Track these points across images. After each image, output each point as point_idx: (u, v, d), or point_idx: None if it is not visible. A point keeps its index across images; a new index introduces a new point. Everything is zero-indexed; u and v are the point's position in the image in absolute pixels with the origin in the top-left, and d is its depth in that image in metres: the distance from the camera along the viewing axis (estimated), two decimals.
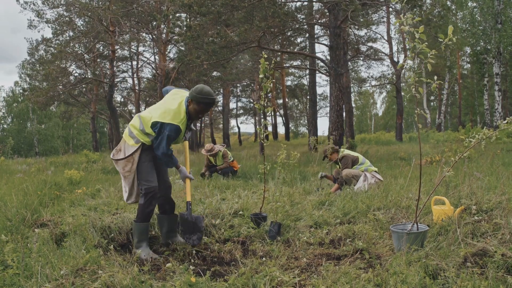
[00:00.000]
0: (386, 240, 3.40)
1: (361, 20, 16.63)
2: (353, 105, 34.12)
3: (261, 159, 11.76)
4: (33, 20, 21.99)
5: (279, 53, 24.86)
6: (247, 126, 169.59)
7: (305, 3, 17.12)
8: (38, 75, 24.79)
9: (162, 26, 20.40)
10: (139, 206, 3.34)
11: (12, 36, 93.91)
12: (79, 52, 23.36)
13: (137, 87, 28.46)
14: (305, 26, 17.67)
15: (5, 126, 41.39)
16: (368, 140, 25.31)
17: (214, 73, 24.34)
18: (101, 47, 25.47)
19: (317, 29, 22.96)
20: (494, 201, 3.85)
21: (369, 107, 55.47)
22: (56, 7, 21.43)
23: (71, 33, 23.38)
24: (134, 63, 29.23)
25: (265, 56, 3.76)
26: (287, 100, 38.66)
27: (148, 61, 28.35)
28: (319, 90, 67.46)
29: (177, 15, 18.78)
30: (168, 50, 24.34)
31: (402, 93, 28.05)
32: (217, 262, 3.13)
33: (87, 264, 2.77)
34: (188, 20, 18.04)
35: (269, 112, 34.46)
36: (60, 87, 23.01)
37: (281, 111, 37.40)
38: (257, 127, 21.06)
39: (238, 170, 8.62)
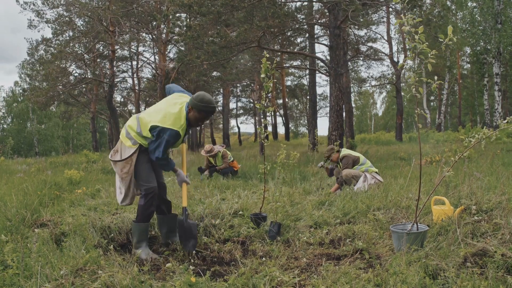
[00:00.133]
0: (386, 240, 3.40)
1: (361, 20, 16.64)
2: (353, 105, 34.13)
3: (261, 159, 11.76)
4: (33, 20, 22.03)
5: (279, 53, 24.87)
6: (247, 126, 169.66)
7: (305, 3, 17.13)
8: (38, 75, 24.79)
9: (162, 26, 20.41)
10: (139, 207, 3.33)
11: (12, 36, 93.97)
12: (79, 52, 23.37)
13: (137, 87, 28.46)
14: (305, 26, 17.68)
15: (5, 126, 41.41)
16: (368, 140, 25.31)
17: (214, 73, 24.34)
18: (101, 47, 25.47)
19: (317, 29, 22.98)
20: (494, 201, 3.85)
21: (369, 107, 55.48)
22: (56, 7, 21.46)
23: (71, 33, 23.39)
24: (134, 63, 29.26)
25: (267, 55, 3.76)
26: (287, 100, 38.66)
27: (148, 61, 28.37)
28: (319, 90, 67.53)
29: (177, 15, 18.79)
30: (168, 50, 24.35)
31: (402, 93, 28.06)
32: (217, 262, 3.13)
33: (87, 264, 2.77)
34: (188, 20, 18.04)
35: (270, 112, 34.50)
36: (60, 87, 23.01)
37: (281, 111, 37.41)
38: (257, 127, 21.10)
39: (238, 170, 8.62)
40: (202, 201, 4.90)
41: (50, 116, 39.34)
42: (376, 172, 6.15)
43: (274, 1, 12.48)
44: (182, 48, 22.55)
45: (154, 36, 23.04)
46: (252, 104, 38.56)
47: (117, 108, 29.22)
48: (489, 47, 21.02)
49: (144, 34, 24.46)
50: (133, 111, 30.53)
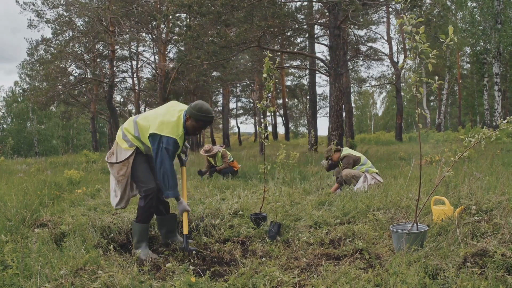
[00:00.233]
0: (386, 240, 3.40)
1: (361, 20, 16.64)
2: (353, 105, 34.14)
3: (261, 159, 11.76)
4: (33, 20, 22.00)
5: (279, 53, 24.87)
6: (247, 126, 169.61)
7: (305, 3, 17.13)
8: (38, 75, 24.78)
9: (162, 26, 20.41)
10: (139, 208, 3.32)
11: (12, 36, 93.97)
12: (79, 52, 23.36)
13: (137, 87, 28.45)
14: (305, 26, 17.67)
15: (5, 126, 41.41)
16: (368, 140, 25.31)
17: (214, 73, 24.33)
18: (101, 47, 25.47)
19: (317, 29, 22.97)
20: (494, 201, 3.85)
21: (369, 107, 55.48)
22: (56, 7, 21.45)
23: (71, 33, 23.39)
24: (134, 63, 29.24)
25: (270, 55, 3.76)
26: (287, 100, 38.67)
27: (148, 61, 28.37)
28: (319, 90, 67.53)
29: (177, 15, 18.79)
30: (168, 50, 24.35)
31: (402, 93, 28.07)
32: (217, 262, 3.13)
33: (87, 264, 2.77)
34: (188, 20, 18.05)
35: (271, 112, 34.50)
36: (60, 87, 23.00)
37: (281, 111, 37.42)
38: (257, 127, 21.11)
39: (238, 170, 8.61)
40: (202, 201, 4.90)
41: (50, 116, 39.33)
42: (376, 173, 6.15)
43: (274, 1, 12.48)
44: (182, 48, 22.55)
45: (154, 36, 23.04)
46: (252, 104, 38.57)
47: (117, 108, 29.20)
48: (489, 47, 21.02)
49: (144, 34, 24.46)
50: (133, 111, 30.53)
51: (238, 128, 40.31)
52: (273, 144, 24.72)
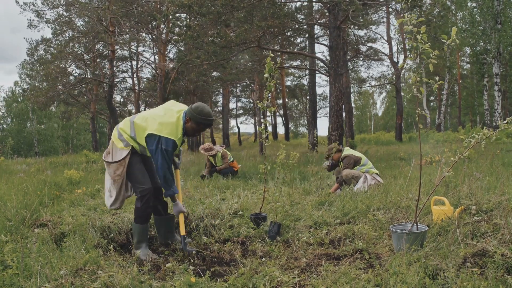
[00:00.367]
0: (385, 240, 3.40)
1: (361, 20, 16.64)
2: (353, 105, 34.14)
3: (261, 159, 11.76)
4: (33, 20, 22.02)
5: (279, 53, 24.88)
6: (247, 126, 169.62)
7: (305, 3, 17.13)
8: (38, 75, 24.79)
9: (162, 26, 20.41)
10: (136, 210, 3.31)
11: (12, 36, 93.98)
12: (78, 52, 23.37)
13: (136, 87, 28.46)
14: (305, 26, 17.67)
15: (5, 126, 41.42)
16: (368, 140, 25.32)
17: (214, 73, 24.32)
18: (101, 47, 25.47)
19: (317, 29, 22.98)
20: (494, 201, 3.85)
21: (369, 107, 55.49)
22: (56, 7, 21.46)
23: (71, 33, 23.40)
24: (134, 63, 29.25)
25: (272, 55, 3.77)
26: (287, 100, 38.67)
27: (148, 61, 28.36)
28: (319, 90, 67.56)
29: (177, 15, 18.80)
30: (168, 50, 24.35)
31: (402, 93, 28.07)
32: (216, 262, 3.13)
33: (87, 264, 2.77)
34: (188, 20, 18.05)
35: (271, 112, 34.50)
36: (60, 87, 23.01)
37: (281, 111, 37.43)
38: (258, 127, 21.13)
39: (238, 170, 8.61)
40: (202, 201, 4.90)
41: (50, 116, 39.34)
42: (377, 174, 6.15)
43: (274, 1, 12.48)
44: (182, 48, 22.55)
45: (154, 36, 23.04)
46: (252, 104, 38.57)
47: (117, 108, 29.21)
48: (489, 47, 21.02)
49: (144, 34, 24.46)
50: (133, 111, 30.52)
51: (238, 128, 40.34)
52: (273, 144, 24.73)
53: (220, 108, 34.18)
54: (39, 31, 63.50)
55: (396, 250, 3.04)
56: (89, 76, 24.18)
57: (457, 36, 2.78)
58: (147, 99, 31.24)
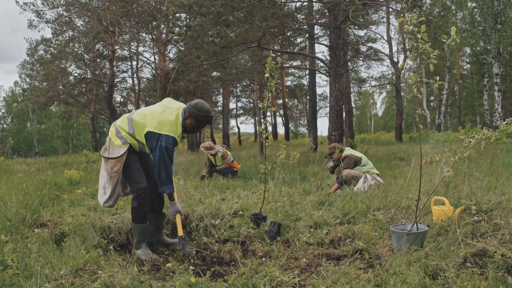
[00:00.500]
0: (386, 240, 3.40)
1: (361, 20, 16.65)
2: (353, 105, 34.13)
3: (261, 159, 11.76)
4: (33, 20, 22.02)
5: (279, 53, 24.89)
6: (247, 126, 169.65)
7: (305, 3, 17.13)
8: (38, 75, 24.79)
9: (162, 26, 20.41)
10: (132, 209, 3.30)
11: (12, 36, 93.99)
12: (78, 52, 23.37)
13: (136, 87, 28.46)
14: (305, 26, 17.68)
15: (5, 126, 41.42)
16: (368, 140, 25.31)
17: (214, 73, 24.32)
18: (101, 47, 25.48)
19: (317, 29, 23.00)
20: (494, 202, 3.85)
21: (369, 107, 55.48)
22: (56, 7, 21.46)
23: (71, 33, 23.40)
24: (134, 63, 29.26)
25: (272, 55, 3.77)
26: (287, 100, 38.67)
27: (148, 61, 28.38)
28: (319, 90, 67.56)
29: (177, 15, 18.80)
30: (168, 50, 24.35)
31: (402, 94, 28.06)
32: (217, 262, 3.13)
33: (87, 264, 2.77)
34: (188, 20, 18.06)
35: (271, 112, 34.50)
36: (60, 87, 23.02)
37: (281, 111, 37.43)
38: (258, 127, 21.16)
39: (238, 171, 8.61)
40: (202, 201, 4.90)
41: (50, 116, 39.35)
42: (377, 174, 6.14)
43: (274, 1, 12.48)
44: (182, 48, 22.55)
45: (154, 36, 23.05)
46: (252, 104, 38.57)
47: (117, 108, 29.21)
48: (489, 48, 21.03)
49: (144, 34, 24.47)
50: (133, 111, 30.49)
51: (238, 128, 40.34)
52: (273, 144, 24.74)
53: (220, 108, 34.17)
54: (39, 31, 63.48)
55: (396, 250, 3.04)
56: (89, 76, 24.18)
57: (457, 36, 2.78)
58: (147, 99, 31.22)
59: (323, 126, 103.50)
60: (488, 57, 21.70)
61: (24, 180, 6.86)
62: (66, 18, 22.13)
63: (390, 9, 21.11)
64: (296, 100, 44.26)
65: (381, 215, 4.12)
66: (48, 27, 37.22)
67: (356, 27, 20.37)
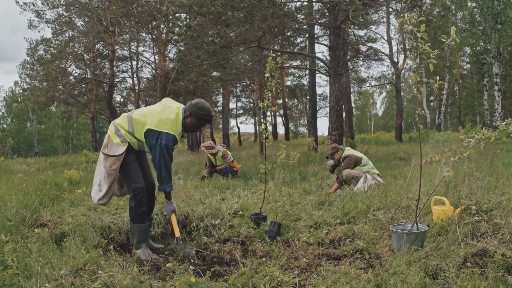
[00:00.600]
0: (386, 240, 3.40)
1: (361, 20, 16.65)
2: (353, 105, 34.13)
3: (261, 159, 11.76)
4: (33, 20, 22.01)
5: (279, 53, 24.90)
6: (247, 126, 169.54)
7: (305, 3, 17.13)
8: (38, 75, 24.79)
9: (162, 26, 20.41)
10: (130, 209, 3.30)
11: (12, 36, 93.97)
12: (79, 52, 23.36)
13: (136, 87, 28.45)
14: (305, 26, 17.68)
15: (5, 126, 41.42)
16: (368, 140, 25.31)
17: (214, 73, 24.32)
18: (101, 47, 25.47)
19: (317, 29, 22.99)
20: (494, 201, 3.85)
21: (369, 107, 55.48)
22: (56, 7, 21.45)
23: (71, 33, 23.39)
24: (134, 63, 29.25)
25: (273, 55, 3.78)
26: (287, 100, 38.67)
27: (148, 61, 28.37)
28: (319, 90, 67.56)
29: (177, 15, 18.80)
30: (168, 50, 24.34)
31: (402, 93, 28.06)
32: (217, 262, 3.13)
33: (87, 264, 2.77)
34: (188, 20, 18.06)
35: (271, 112, 34.53)
36: (60, 87, 23.01)
37: (281, 111, 37.43)
38: (258, 127, 21.16)
39: (238, 170, 8.61)
40: (202, 201, 4.90)
41: (50, 116, 39.35)
42: (377, 174, 6.14)
43: (274, 1, 12.48)
44: (182, 48, 22.55)
45: (154, 36, 23.04)
46: (252, 104, 38.57)
47: (117, 108, 29.21)
48: (489, 47, 21.02)
49: (144, 34, 24.46)
50: (133, 110, 30.50)
51: (238, 128, 40.33)
52: (273, 144, 24.71)
53: (220, 108, 34.17)
54: (39, 31, 63.33)
55: (396, 250, 3.04)
56: (89, 76, 24.17)
57: (457, 36, 2.78)
58: (147, 99, 31.21)
59: (323, 126, 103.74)
60: (488, 57, 21.70)
61: (24, 180, 6.86)
62: (66, 18, 22.12)
63: (390, 9, 21.12)
64: (296, 100, 44.26)
65: (381, 215, 4.12)
66: (48, 27, 37.26)
67: (356, 27, 20.37)
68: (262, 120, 13.74)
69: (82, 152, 16.31)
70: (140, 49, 28.72)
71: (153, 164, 3.29)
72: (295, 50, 23.20)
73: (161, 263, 3.05)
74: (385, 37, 26.34)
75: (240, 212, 4.35)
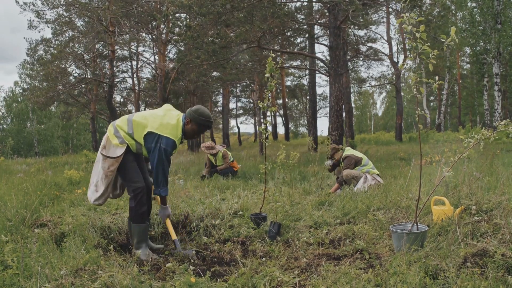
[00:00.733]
0: (386, 240, 3.40)
1: (361, 20, 16.65)
2: (353, 105, 34.13)
3: (261, 159, 11.76)
4: (33, 20, 22.00)
5: (279, 53, 24.90)
6: (246, 126, 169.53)
7: (305, 3, 17.13)
8: (38, 75, 24.79)
9: (162, 26, 20.41)
10: (131, 209, 3.30)
11: (12, 36, 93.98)
12: (78, 52, 23.36)
13: (136, 87, 28.46)
14: (305, 26, 17.68)
15: (4, 126, 41.42)
16: (368, 140, 25.31)
17: (214, 73, 24.32)
18: (101, 47, 25.47)
19: (317, 29, 22.99)
20: (494, 201, 3.85)
21: (368, 107, 55.49)
22: (56, 7, 21.45)
23: (71, 33, 23.39)
24: (134, 63, 29.27)
25: (273, 55, 3.78)
26: (287, 100, 38.66)
27: (148, 61, 28.38)
28: (319, 90, 67.49)
29: (177, 15, 18.80)
30: (168, 50, 24.35)
31: (402, 93, 28.06)
32: (217, 262, 3.13)
33: (87, 264, 2.77)
34: (188, 20, 18.05)
35: (272, 112, 34.52)
36: (60, 87, 23.00)
37: (281, 111, 37.43)
38: (258, 127, 21.15)
39: (238, 170, 8.61)
40: (202, 201, 4.90)
41: (50, 116, 39.34)
42: (377, 174, 6.14)
43: (274, 1, 12.47)
44: (182, 48, 22.54)
45: (154, 36, 23.04)
46: (252, 104, 38.57)
47: (117, 108, 29.20)
48: (489, 47, 21.03)
49: (144, 34, 24.46)
50: (133, 111, 30.51)
51: (238, 128, 40.32)
52: (273, 144, 24.73)
53: (220, 108, 34.18)
54: (39, 31, 63.35)
55: (396, 250, 3.04)
56: (89, 76, 24.16)
57: (457, 36, 2.78)
58: (147, 99, 31.23)
59: (323, 126, 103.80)
60: (488, 57, 21.70)
61: (24, 180, 6.86)
62: (66, 18, 22.11)
63: (390, 9, 21.11)
64: (296, 100, 44.26)
65: (381, 215, 4.12)
66: (48, 27, 37.24)
67: (356, 27, 20.36)
68: (262, 120, 13.74)
69: (82, 152, 16.32)
70: (140, 49, 28.78)
71: (151, 168, 3.30)
72: (295, 50, 23.20)
73: (161, 263, 3.05)
74: (385, 37, 26.38)
75: (240, 212, 4.35)
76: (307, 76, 27.76)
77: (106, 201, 3.47)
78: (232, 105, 39.22)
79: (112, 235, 3.72)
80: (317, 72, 20.80)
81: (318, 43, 22.53)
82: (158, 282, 2.61)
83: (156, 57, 26.82)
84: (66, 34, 23.66)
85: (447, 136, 18.09)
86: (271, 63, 3.71)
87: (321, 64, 21.76)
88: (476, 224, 3.34)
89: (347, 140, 16.67)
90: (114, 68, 23.66)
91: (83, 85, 25.77)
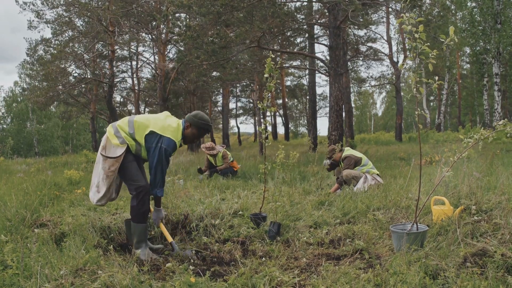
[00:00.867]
0: (385, 240, 3.40)
1: (361, 20, 16.65)
2: (353, 105, 34.12)
3: (260, 159, 11.76)
4: (33, 20, 21.98)
5: (279, 53, 24.89)
6: (246, 126, 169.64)
7: (305, 3, 17.13)
8: (38, 75, 24.78)
9: (161, 26, 20.40)
10: (132, 208, 3.29)
11: (12, 36, 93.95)
12: (78, 52, 23.35)
13: (136, 87, 28.44)
14: (305, 26, 17.68)
15: (4, 126, 41.42)
16: (367, 140, 25.31)
17: (214, 73, 24.31)
18: (101, 47, 25.46)
19: (317, 29, 22.99)
20: (494, 201, 3.85)
21: (368, 107, 55.50)
22: (56, 7, 21.44)
23: (71, 33, 23.38)
24: (134, 63, 29.26)
25: (272, 56, 3.79)
26: (286, 100, 38.66)
27: (147, 61, 28.36)
28: (318, 90, 67.48)
29: (177, 15, 18.79)
30: (168, 50, 24.34)
31: (402, 93, 28.06)
32: (216, 262, 3.13)
33: (87, 264, 2.77)
34: (188, 20, 18.06)
35: (271, 112, 34.51)
36: (60, 87, 22.99)
37: (281, 111, 37.43)
38: (257, 127, 21.14)
39: (238, 170, 8.62)
40: (202, 201, 4.90)
41: (49, 116, 39.33)
42: (377, 174, 6.14)
43: (274, 1, 12.47)
44: (182, 48, 22.53)
45: (153, 36, 23.03)
46: (252, 104, 38.56)
47: (117, 108, 29.20)
48: (488, 47, 21.02)
49: (144, 34, 24.45)
50: (133, 111, 30.52)
51: (238, 128, 40.30)
52: (273, 144, 24.67)
53: (220, 108, 34.17)
54: (39, 31, 63.35)
55: (396, 250, 3.04)
56: (89, 76, 24.16)
57: (456, 36, 2.78)
58: (147, 99, 31.23)
59: (323, 126, 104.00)
60: (488, 57, 21.70)
61: (24, 180, 6.86)
62: (66, 18, 22.10)
63: (390, 9, 21.11)
64: (296, 100, 44.25)
65: (381, 215, 4.12)
66: (48, 27, 37.23)
67: (356, 27, 20.37)
68: (262, 120, 13.73)
69: (82, 152, 16.30)
70: (140, 49, 28.79)
71: (149, 167, 3.31)
72: (295, 50, 23.19)
73: (161, 263, 3.05)
74: (385, 37, 26.37)
75: (240, 212, 4.35)
76: (307, 76, 27.77)
77: (107, 202, 3.48)
78: (232, 105, 39.25)
79: (112, 235, 3.72)
80: (317, 72, 20.81)
81: (318, 43, 22.54)
82: (158, 282, 2.61)
83: (156, 57, 26.82)
84: (66, 34, 23.65)
85: (447, 136, 18.11)
86: (270, 64, 3.72)
87: (321, 64, 21.77)
88: (476, 224, 3.34)
89: (347, 140, 16.67)
90: (114, 68, 23.65)
91: (83, 85, 25.76)
